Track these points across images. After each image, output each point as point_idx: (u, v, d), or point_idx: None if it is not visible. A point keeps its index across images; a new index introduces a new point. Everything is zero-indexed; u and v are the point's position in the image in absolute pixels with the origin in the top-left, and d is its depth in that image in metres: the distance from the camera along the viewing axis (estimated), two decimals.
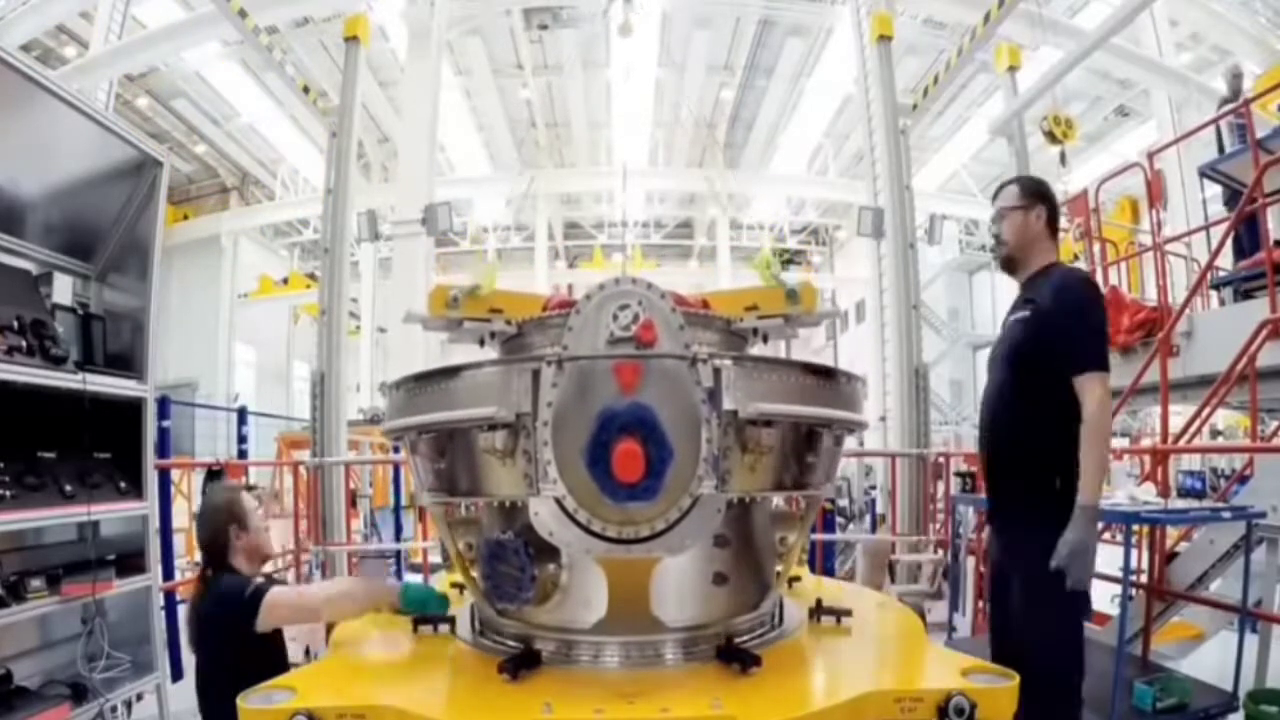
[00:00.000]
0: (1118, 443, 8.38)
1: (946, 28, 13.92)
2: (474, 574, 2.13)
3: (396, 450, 7.69)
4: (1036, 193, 2.84)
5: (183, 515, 8.06)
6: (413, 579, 5.11)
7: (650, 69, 15.93)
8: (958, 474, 7.60)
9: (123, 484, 3.54)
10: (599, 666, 1.95)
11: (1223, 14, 12.62)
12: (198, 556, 3.09)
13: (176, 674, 4.36)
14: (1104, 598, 5.01)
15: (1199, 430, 5.38)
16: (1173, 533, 4.66)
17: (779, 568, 2.26)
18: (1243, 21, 12.84)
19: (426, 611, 2.29)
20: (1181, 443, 5.10)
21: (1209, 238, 7.15)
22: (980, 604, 5.64)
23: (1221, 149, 7.72)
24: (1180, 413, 5.31)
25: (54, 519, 3.20)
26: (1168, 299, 5.38)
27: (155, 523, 3.72)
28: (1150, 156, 7.05)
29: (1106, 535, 5.29)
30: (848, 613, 2.28)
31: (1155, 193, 6.18)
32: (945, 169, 19.65)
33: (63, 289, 3.87)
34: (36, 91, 3.13)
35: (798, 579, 2.84)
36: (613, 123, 18.54)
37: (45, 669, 3.42)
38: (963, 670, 1.79)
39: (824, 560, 6.93)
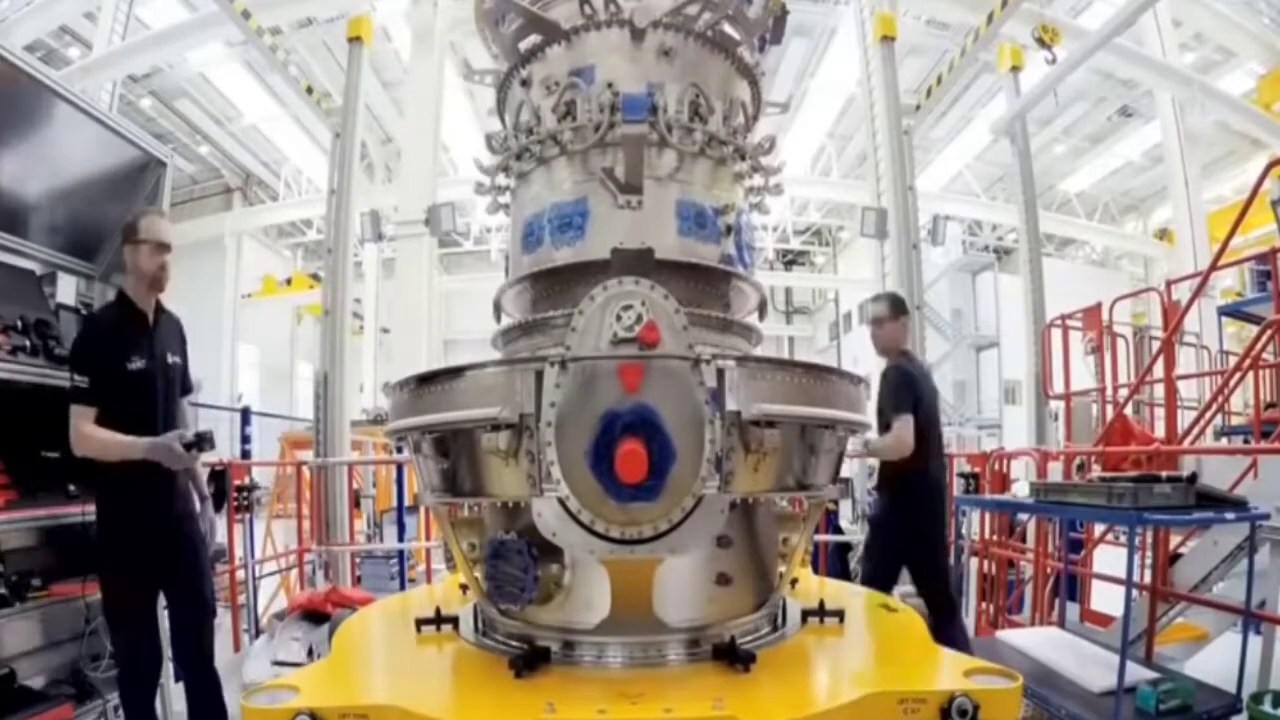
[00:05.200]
0: None
1: (949, 28, 13.90)
2: (477, 574, 2.13)
3: (400, 450, 7.70)
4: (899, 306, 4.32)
5: None
6: None
7: None
8: (961, 475, 7.63)
9: None
10: (602, 666, 1.95)
11: (1226, 14, 12.60)
12: None
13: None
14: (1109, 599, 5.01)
15: (1203, 430, 5.37)
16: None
17: (782, 569, 2.26)
18: (1246, 22, 12.82)
19: None
20: (1185, 444, 5.09)
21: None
22: (983, 605, 5.63)
23: None
24: None
25: (57, 519, 3.21)
26: (1176, 430, 5.32)
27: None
28: (1169, 285, 7.01)
29: (1110, 537, 5.29)
30: (848, 614, 2.28)
31: (1170, 323, 5.92)
32: (949, 169, 19.60)
33: (66, 289, 3.87)
34: (40, 92, 3.14)
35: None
36: None
37: (49, 668, 3.43)
38: (966, 671, 1.79)
39: (828, 561, 6.92)
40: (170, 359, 3.07)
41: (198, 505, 3.14)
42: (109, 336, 2.94)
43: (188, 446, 2.81)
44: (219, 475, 5.83)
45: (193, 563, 3.07)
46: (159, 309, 3.07)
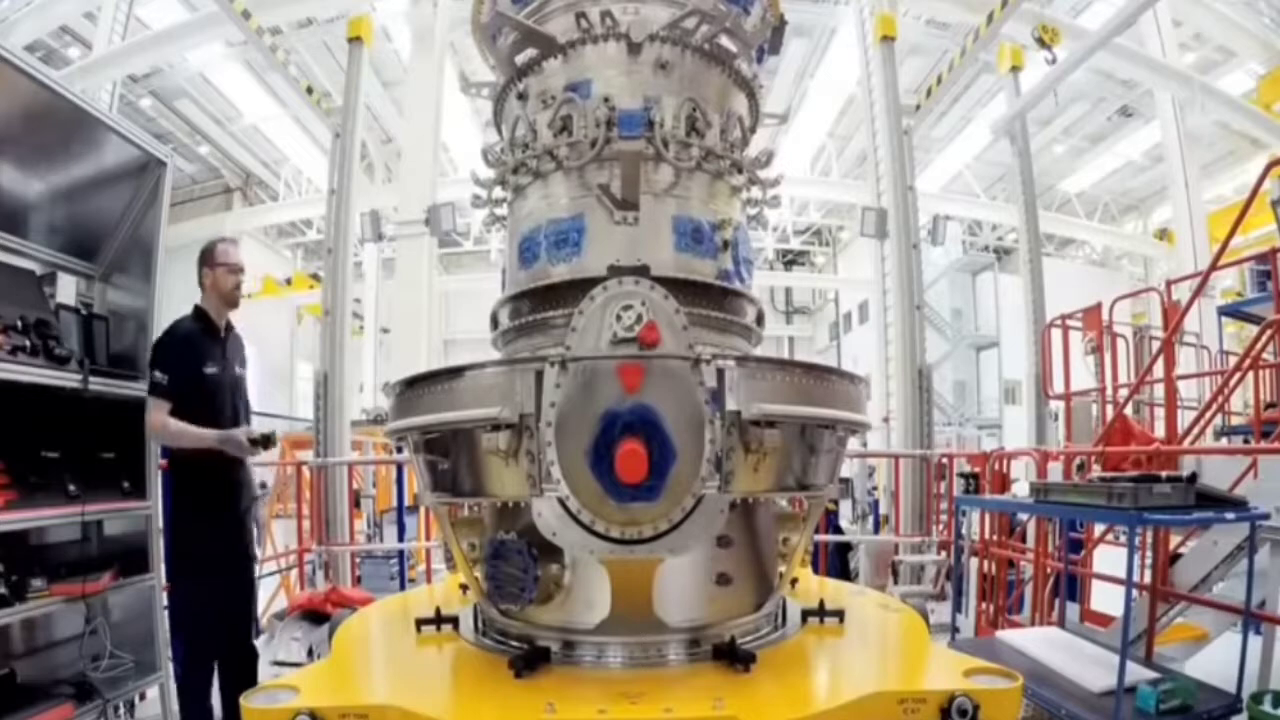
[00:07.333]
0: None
1: (949, 28, 13.90)
2: (477, 574, 2.13)
3: (400, 450, 7.69)
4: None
5: None
6: None
7: None
8: (961, 475, 7.64)
9: (126, 484, 3.54)
10: (602, 666, 1.95)
11: (1226, 14, 12.60)
12: None
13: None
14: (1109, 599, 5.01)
15: (1203, 431, 5.37)
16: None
17: (782, 568, 2.26)
18: (1246, 22, 12.83)
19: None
20: (1185, 444, 5.08)
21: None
22: (983, 605, 5.63)
23: None
24: None
25: (57, 519, 3.20)
26: (1176, 430, 5.31)
27: (158, 522, 3.72)
28: (1168, 285, 6.99)
29: (1110, 536, 5.29)
30: (848, 614, 2.28)
31: (1170, 323, 5.88)
32: (948, 169, 19.61)
33: (66, 289, 3.87)
34: (40, 92, 3.13)
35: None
36: None
37: (49, 668, 3.43)
38: (966, 671, 1.79)
39: (828, 561, 6.92)
40: (238, 370, 3.52)
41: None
42: (190, 341, 3.34)
43: (253, 442, 3.28)
44: None
45: (251, 554, 3.54)
46: (229, 326, 3.51)
